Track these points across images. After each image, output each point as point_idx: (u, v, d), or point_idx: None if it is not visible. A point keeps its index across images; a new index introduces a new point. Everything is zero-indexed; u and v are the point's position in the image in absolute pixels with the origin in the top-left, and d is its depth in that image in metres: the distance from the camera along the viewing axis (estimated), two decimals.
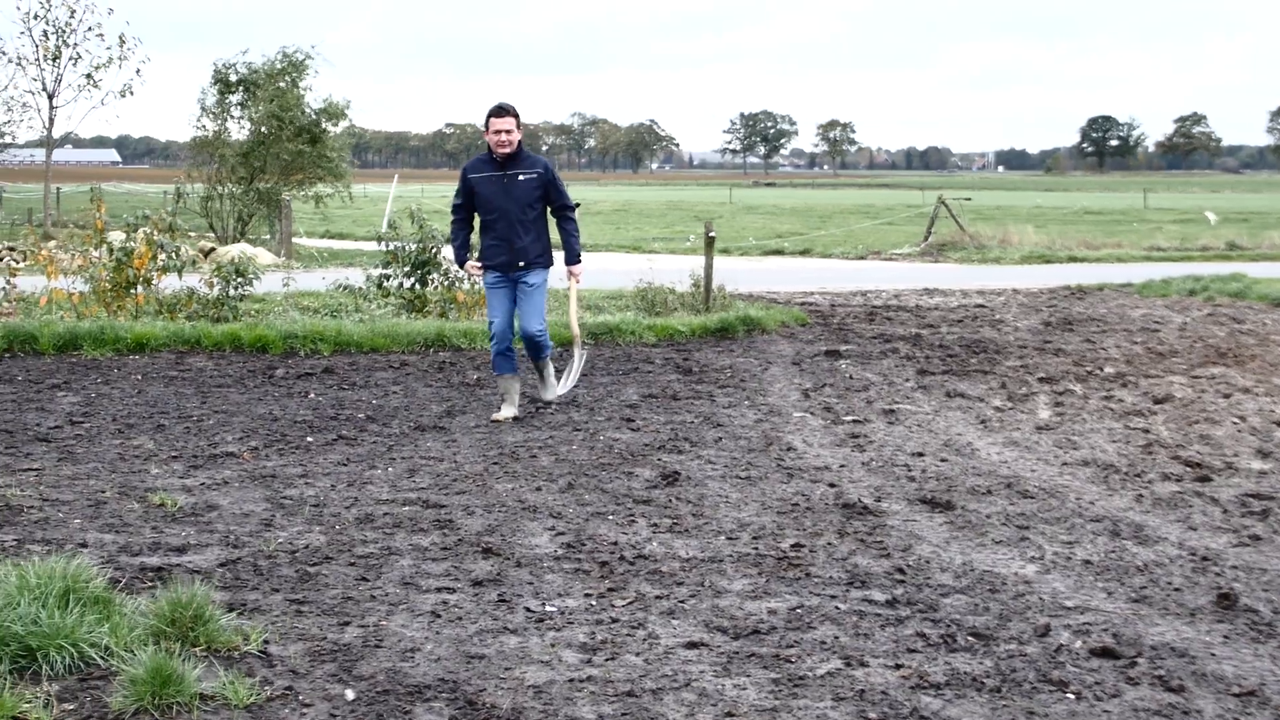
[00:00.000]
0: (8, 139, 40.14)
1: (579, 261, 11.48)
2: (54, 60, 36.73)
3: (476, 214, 11.39)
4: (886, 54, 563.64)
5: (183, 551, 7.27)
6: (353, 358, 14.38)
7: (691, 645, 5.97)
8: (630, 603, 6.55)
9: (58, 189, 43.62)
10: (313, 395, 12.21)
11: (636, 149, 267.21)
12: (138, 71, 54.89)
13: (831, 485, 9.01)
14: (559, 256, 11.57)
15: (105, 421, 10.85)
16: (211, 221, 32.79)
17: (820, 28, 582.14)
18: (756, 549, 7.50)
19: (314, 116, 32.64)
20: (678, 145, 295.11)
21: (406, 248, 17.20)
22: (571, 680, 5.55)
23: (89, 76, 36.32)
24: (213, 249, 27.68)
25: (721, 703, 5.34)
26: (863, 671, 5.71)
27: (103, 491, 8.55)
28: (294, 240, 30.27)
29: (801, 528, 7.96)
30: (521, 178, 11.06)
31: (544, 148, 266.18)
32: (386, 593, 6.63)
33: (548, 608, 6.45)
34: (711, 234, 18.34)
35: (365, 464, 9.48)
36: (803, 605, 6.55)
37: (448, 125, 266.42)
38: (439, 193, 66.57)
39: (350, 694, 5.34)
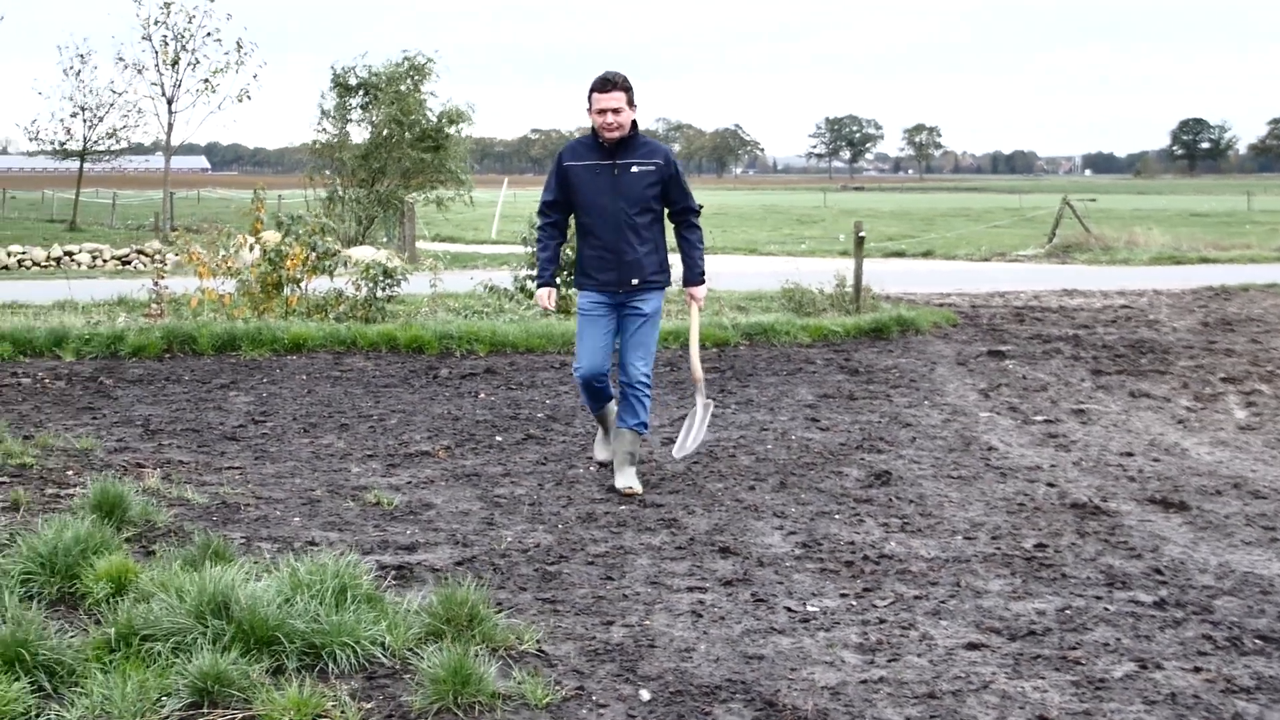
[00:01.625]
0: (123, 143, 40.59)
1: (702, 281, 8.87)
2: (173, 65, 37.08)
3: (574, 216, 8.80)
4: (974, 58, 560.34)
5: (413, 550, 7.16)
6: (510, 358, 14.28)
7: (972, 646, 5.79)
8: (891, 603, 6.37)
9: (170, 194, 44.04)
10: (483, 395, 12.12)
11: (721, 154, 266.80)
12: (254, 76, 55.47)
13: (1050, 485, 8.79)
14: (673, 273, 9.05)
15: (286, 420, 10.80)
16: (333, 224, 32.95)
17: (907, 33, 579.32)
18: (999, 549, 7.29)
19: (435, 121, 32.70)
20: (762, 150, 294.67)
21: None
22: (864, 681, 5.39)
23: (207, 81, 36.63)
24: (337, 251, 27.73)
25: (1028, 705, 5.16)
26: (1161, 674, 5.51)
27: (312, 490, 8.48)
28: (416, 244, 30.29)
29: (1037, 528, 7.75)
30: (635, 169, 8.46)
31: None
32: (636, 592, 6.49)
33: (809, 608, 6.28)
34: (862, 234, 18.14)
35: (564, 463, 9.36)
36: (1070, 606, 6.34)
37: (533, 131, 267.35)
38: (531, 197, 66.75)
39: (645, 694, 5.20)
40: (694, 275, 8.82)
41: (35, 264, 30.58)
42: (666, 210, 8.70)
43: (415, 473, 9.00)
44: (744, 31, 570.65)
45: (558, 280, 9.30)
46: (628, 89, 8.47)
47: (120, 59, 37.68)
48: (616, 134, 8.45)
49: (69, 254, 31.23)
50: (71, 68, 43.45)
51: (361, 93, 33.09)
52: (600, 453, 9.28)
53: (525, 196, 75.69)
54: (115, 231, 42.63)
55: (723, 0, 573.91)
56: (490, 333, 14.88)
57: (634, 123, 8.53)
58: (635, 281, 8.53)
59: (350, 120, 33.43)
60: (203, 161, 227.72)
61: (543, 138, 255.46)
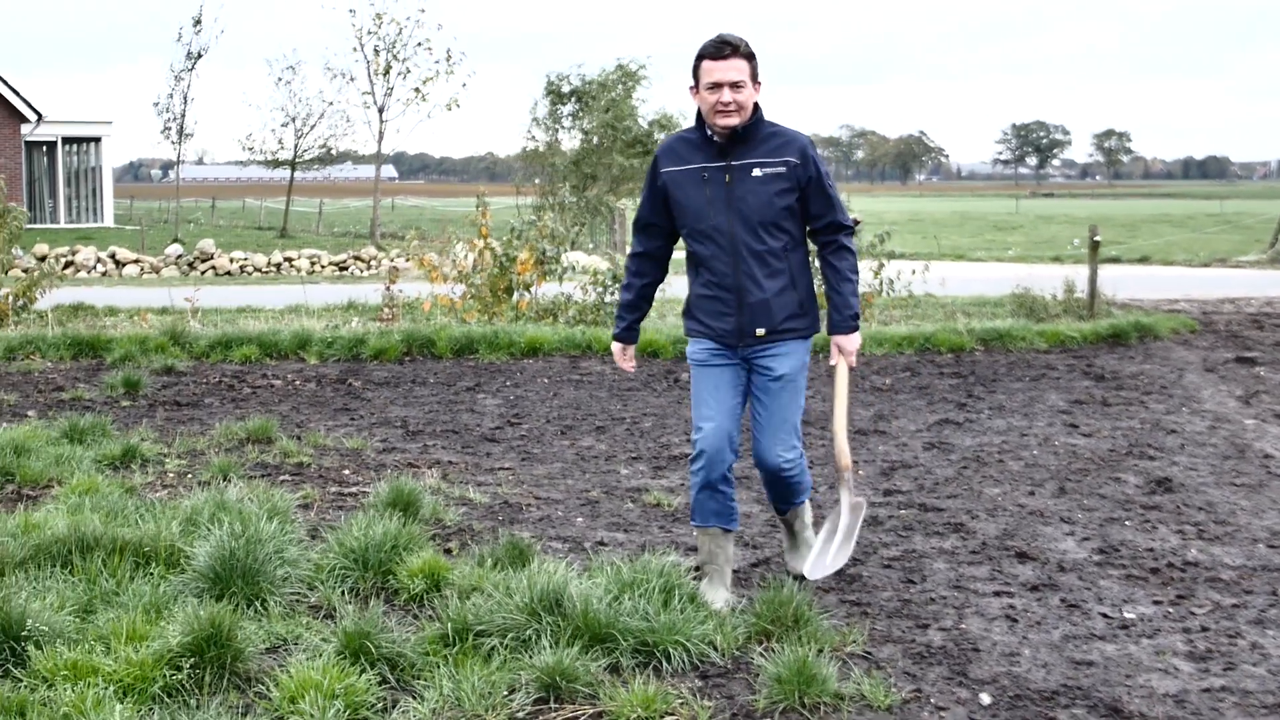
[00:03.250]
0: (333, 152, 41.46)
1: (855, 327, 6.34)
2: (384, 74, 37.77)
3: (680, 238, 6.41)
4: (1165, 62, 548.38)
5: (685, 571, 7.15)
6: None
7: None
8: (1210, 611, 6.22)
9: (377, 202, 44.92)
10: None
11: (905, 160, 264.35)
12: (464, 85, 56.32)
13: None
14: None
15: (541, 423, 10.90)
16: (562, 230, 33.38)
17: (1095, 38, 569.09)
18: None
19: (645, 127, 32.90)
20: (946, 156, 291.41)
21: None
22: (1206, 690, 5.26)
23: (417, 90, 37.23)
24: (559, 256, 28.06)
25: None
26: None
27: (588, 491, 8.53)
28: (626, 250, 30.47)
29: None
30: (759, 172, 6.06)
31: None
32: (942, 595, 6.42)
33: (1125, 614, 6.15)
34: (1097, 238, 17.80)
35: (830, 466, 9.28)
36: None
37: None
38: None
39: (986, 698, 5.13)
40: (844, 319, 6.29)
41: (256, 269, 31.37)
42: (807, 228, 6.26)
43: (684, 475, 9.02)
44: (930, 37, 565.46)
45: (640, 329, 6.80)
46: (750, 57, 6.11)
47: (329, 69, 38.52)
48: (735, 119, 6.01)
49: (288, 260, 31.99)
50: (281, 79, 44.55)
51: (574, 100, 33.41)
52: (793, 562, 6.84)
53: None
54: (322, 238, 43.57)
55: (909, 6, 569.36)
56: None
57: (757, 106, 6.13)
58: (762, 332, 6.13)
59: (561, 127, 33.78)
60: (390, 170, 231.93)
61: None
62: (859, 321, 6.36)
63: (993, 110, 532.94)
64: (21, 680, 5.03)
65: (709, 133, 6.14)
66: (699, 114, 6.15)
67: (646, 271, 6.50)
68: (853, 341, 6.36)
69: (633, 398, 12.18)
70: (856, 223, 6.77)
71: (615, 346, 6.70)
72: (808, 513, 6.76)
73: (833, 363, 6.41)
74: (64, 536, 6.44)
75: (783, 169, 6.05)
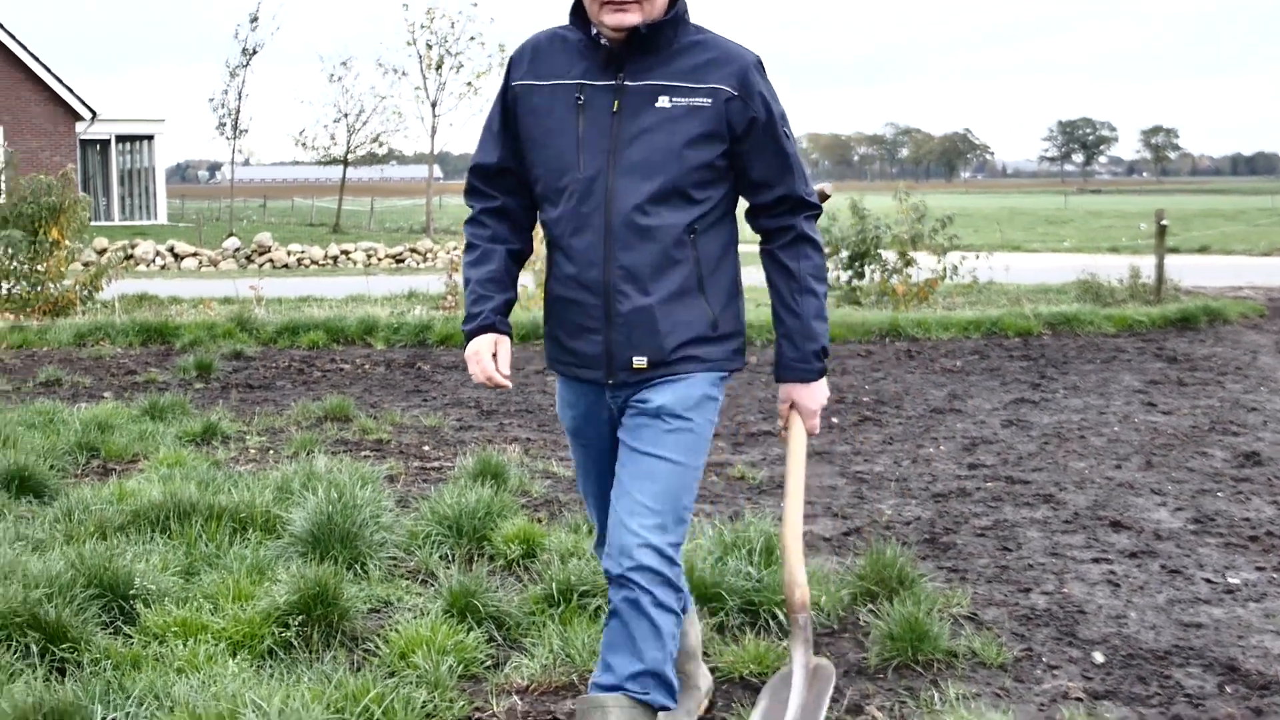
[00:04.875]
0: (385, 148, 41.62)
1: (819, 373, 4.10)
2: (437, 69, 37.89)
3: (536, 198, 4.09)
4: (1213, 59, 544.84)
5: None
6: None
7: None
8: None
9: (430, 194, 45.08)
10: None
11: (950, 158, 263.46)
12: None
13: None
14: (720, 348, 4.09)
15: None
16: None
17: (1142, 34, 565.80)
18: None
19: None
20: (992, 154, 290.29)
21: (845, 240, 17.02)
22: None
23: (470, 84, 37.33)
24: None
25: None
26: None
27: None
28: None
29: None
30: (666, 101, 3.84)
31: (855, 158, 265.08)
32: (1040, 562, 6.37)
33: (1230, 580, 6.09)
34: (1164, 223, 17.69)
35: (910, 442, 9.25)
36: None
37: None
38: None
39: (1099, 657, 5.09)
40: (799, 356, 4.05)
41: (313, 262, 31.56)
42: (745, 201, 4.07)
43: (764, 451, 9.00)
44: (974, 34, 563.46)
45: (506, 319, 4.07)
46: None
47: (381, 64, 38.65)
48: (634, 16, 3.79)
49: (344, 253, 32.17)
50: (334, 75, 44.76)
51: None
52: None
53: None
54: (375, 233, 43.76)
55: (954, 3, 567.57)
56: None
57: (676, 2, 3.89)
58: (641, 362, 3.91)
59: None
60: (437, 170, 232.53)
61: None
62: (824, 362, 4.07)
63: (1038, 107, 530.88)
64: (133, 637, 5.06)
65: (593, 34, 3.91)
66: (577, 2, 3.93)
67: (505, 235, 4.11)
68: (815, 395, 4.09)
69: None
70: (824, 198, 4.33)
71: (480, 342, 3.98)
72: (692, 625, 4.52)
73: (782, 426, 4.21)
74: (160, 503, 6.48)
75: (706, 101, 3.81)
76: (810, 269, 4.00)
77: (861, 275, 16.91)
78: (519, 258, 4.14)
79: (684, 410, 3.91)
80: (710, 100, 3.83)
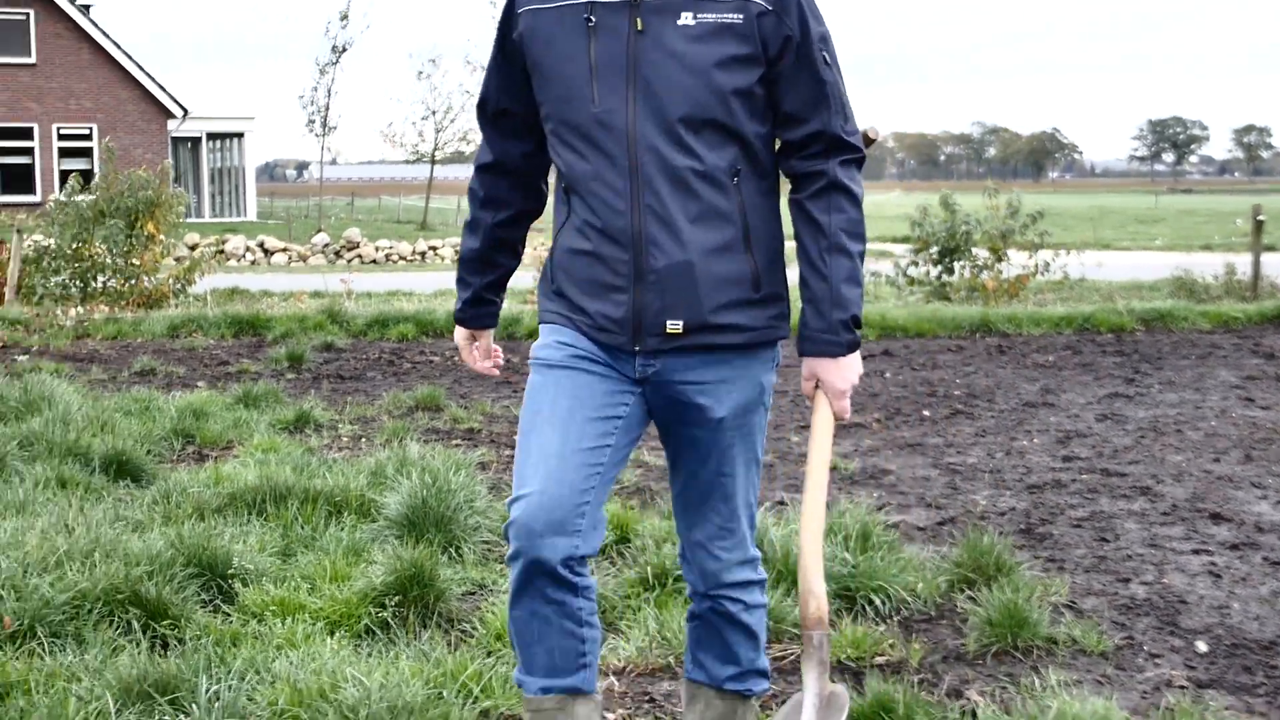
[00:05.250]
0: (473, 145, 41.68)
1: (850, 345, 3.47)
2: None
3: (552, 148, 3.52)
4: None
5: (884, 511, 7.08)
6: (901, 342, 14.14)
7: None
8: None
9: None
10: (888, 375, 11.99)
11: (1038, 157, 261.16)
12: None
13: None
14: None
15: None
16: None
17: (1234, 31, 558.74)
18: None
19: None
20: (1080, 153, 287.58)
21: (934, 235, 16.93)
22: None
23: None
24: None
25: None
26: None
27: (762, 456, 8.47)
28: None
29: None
30: (689, 18, 3.30)
31: (941, 158, 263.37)
32: (1139, 553, 6.29)
33: None
34: (1261, 218, 17.47)
35: (1004, 435, 9.17)
36: None
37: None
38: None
39: (1202, 646, 5.01)
40: (827, 327, 3.46)
41: (401, 258, 31.80)
42: (778, 136, 3.52)
43: (856, 442, 8.95)
44: (1064, 33, 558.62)
45: (499, 302, 3.86)
46: None
47: (469, 62, 38.76)
48: None
49: (432, 249, 32.40)
50: (423, 72, 45.03)
51: None
52: None
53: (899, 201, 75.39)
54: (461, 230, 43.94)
55: (1043, 3, 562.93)
56: (880, 317, 14.80)
57: None
58: (677, 326, 3.41)
59: None
60: None
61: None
62: (857, 333, 3.48)
63: (1127, 106, 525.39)
64: (231, 615, 5.10)
65: None
66: None
67: (501, 197, 3.69)
68: (844, 372, 3.49)
69: (792, 374, 12.09)
70: (870, 141, 3.68)
71: (458, 334, 3.88)
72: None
73: (809, 399, 3.57)
74: (256, 486, 6.54)
75: (736, 17, 3.32)
76: (843, 223, 3.42)
77: (951, 271, 16.80)
78: (519, 219, 3.72)
79: (746, 416, 3.54)
80: (740, 16, 3.31)
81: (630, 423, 3.50)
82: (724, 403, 3.48)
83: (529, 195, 3.70)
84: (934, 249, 16.90)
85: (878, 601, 5.32)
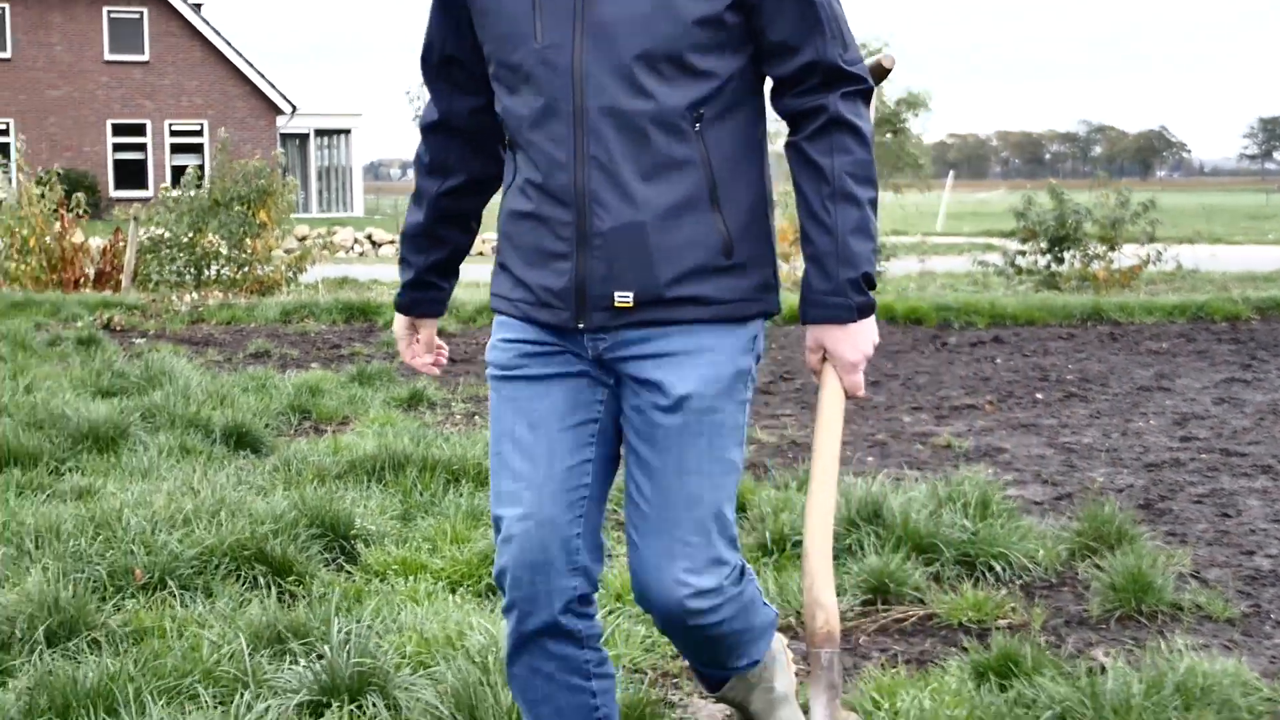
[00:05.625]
0: None
1: (863, 310, 2.90)
2: None
3: (497, 98, 2.98)
4: None
5: (1003, 487, 7.03)
6: (1012, 329, 14.01)
7: None
8: None
9: None
10: (999, 360, 11.90)
11: (1145, 156, 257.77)
12: None
13: None
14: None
15: (811, 378, 10.83)
16: None
17: None
18: None
19: (893, 107, 32.63)
20: (1189, 152, 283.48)
21: (1043, 224, 16.78)
22: None
23: None
24: None
25: None
26: None
27: (874, 435, 8.46)
28: None
29: None
30: None
31: (1046, 156, 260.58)
32: (1263, 528, 6.21)
33: None
34: None
35: (1119, 417, 9.07)
36: None
37: (950, 135, 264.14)
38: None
39: None
40: (834, 288, 2.87)
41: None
42: (768, 73, 2.92)
43: (969, 423, 8.90)
44: (1171, 30, 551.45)
45: (447, 289, 3.30)
46: None
47: None
48: None
49: None
50: None
51: None
52: None
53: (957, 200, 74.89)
54: None
55: (1150, 1, 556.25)
56: (989, 305, 14.69)
57: None
58: (627, 299, 2.87)
59: None
60: None
61: (959, 142, 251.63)
62: (869, 295, 2.92)
63: (1237, 104, 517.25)
64: (353, 574, 5.17)
65: None
66: None
67: (450, 161, 3.16)
68: (855, 341, 2.95)
69: (901, 359, 12.05)
70: (884, 72, 3.27)
71: (397, 323, 3.35)
72: (780, 671, 3.38)
73: (816, 373, 3.04)
74: (374, 455, 6.63)
75: None
76: (849, 165, 2.83)
77: (1060, 260, 16.64)
78: (470, 189, 3.19)
79: (712, 398, 2.90)
80: None
81: (595, 418, 3.00)
82: (686, 378, 2.88)
83: (481, 160, 3.15)
84: (1042, 240, 16.75)
85: (998, 568, 5.29)
